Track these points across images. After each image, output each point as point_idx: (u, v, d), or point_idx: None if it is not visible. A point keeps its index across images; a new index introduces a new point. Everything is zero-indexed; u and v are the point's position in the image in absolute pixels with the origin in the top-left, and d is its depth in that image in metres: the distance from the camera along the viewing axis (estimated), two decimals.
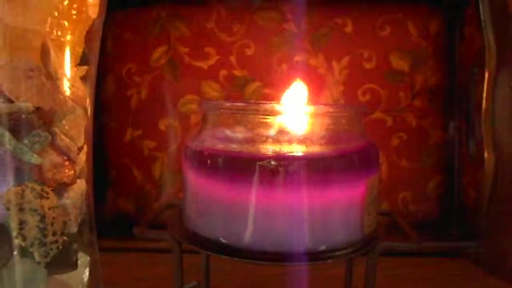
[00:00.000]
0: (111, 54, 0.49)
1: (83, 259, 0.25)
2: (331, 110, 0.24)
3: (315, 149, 0.24)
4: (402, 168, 0.49)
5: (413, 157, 0.49)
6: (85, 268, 0.25)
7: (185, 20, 0.49)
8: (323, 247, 0.24)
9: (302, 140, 0.24)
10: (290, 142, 0.24)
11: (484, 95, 0.43)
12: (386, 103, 0.49)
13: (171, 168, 0.50)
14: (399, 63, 0.49)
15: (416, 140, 0.50)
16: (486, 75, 0.43)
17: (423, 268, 0.42)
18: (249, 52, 0.49)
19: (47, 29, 0.19)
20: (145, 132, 0.50)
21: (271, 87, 0.49)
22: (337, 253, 0.23)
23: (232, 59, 0.49)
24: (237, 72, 0.49)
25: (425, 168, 0.50)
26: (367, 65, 0.49)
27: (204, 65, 0.49)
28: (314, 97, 0.48)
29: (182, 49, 0.49)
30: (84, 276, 0.25)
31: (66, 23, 0.19)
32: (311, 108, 0.24)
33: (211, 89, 0.49)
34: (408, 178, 0.50)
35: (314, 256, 0.23)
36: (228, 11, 0.49)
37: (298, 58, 0.50)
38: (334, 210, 0.23)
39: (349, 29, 0.49)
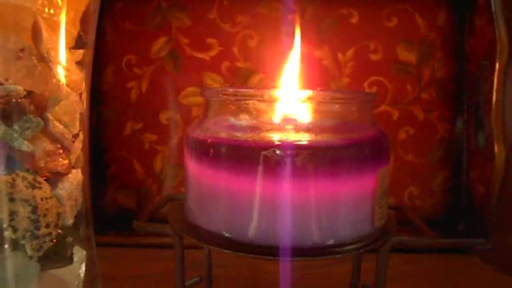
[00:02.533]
0: (110, 45, 0.48)
1: (79, 254, 0.23)
2: (340, 96, 0.23)
3: (323, 137, 0.22)
4: (409, 163, 0.48)
5: (420, 151, 0.48)
6: (81, 264, 0.24)
7: (187, 10, 0.48)
8: (331, 242, 0.22)
9: (310, 128, 0.23)
10: (297, 130, 0.23)
11: (495, 87, 0.42)
12: (392, 96, 0.48)
13: (173, 162, 0.49)
14: (406, 55, 0.48)
15: (423, 133, 0.48)
16: (497, 67, 0.42)
17: (431, 264, 0.41)
18: (252, 43, 0.48)
19: (39, 7, 0.18)
20: (145, 125, 0.49)
21: (275, 79, 0.48)
22: (346, 247, 0.22)
23: (235, 50, 0.48)
24: (239, 64, 0.48)
25: (432, 162, 0.48)
26: (374, 57, 0.48)
27: (206, 56, 0.48)
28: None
29: (183, 40, 0.48)
30: (80, 272, 0.24)
31: (59, 1, 0.18)
32: (319, 95, 0.23)
33: (213, 81, 0.48)
34: (414, 173, 0.48)
35: (321, 251, 0.22)
36: (230, 1, 0.48)
37: (302, 49, 0.48)
38: (343, 203, 0.22)
39: (355, 20, 0.48)
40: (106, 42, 0.48)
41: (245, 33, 0.48)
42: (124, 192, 0.50)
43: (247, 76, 0.48)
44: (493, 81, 0.42)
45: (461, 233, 0.48)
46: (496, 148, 0.42)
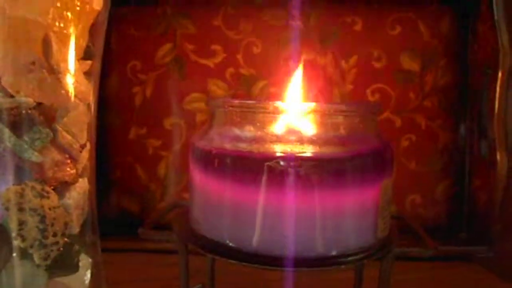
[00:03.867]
0: (115, 51, 0.49)
1: (84, 261, 0.24)
2: (344, 108, 0.23)
3: (327, 149, 0.23)
4: (411, 171, 0.48)
5: (422, 159, 0.48)
6: (86, 270, 0.24)
7: (191, 17, 0.48)
8: (334, 252, 0.23)
9: (314, 140, 0.23)
10: (300, 141, 0.23)
11: (497, 95, 0.42)
12: (395, 104, 0.48)
13: (176, 168, 0.49)
14: (409, 62, 0.48)
15: (425, 141, 0.48)
16: (500, 75, 0.42)
17: (433, 272, 0.41)
18: (256, 50, 0.48)
19: (49, 21, 0.18)
20: (149, 131, 0.49)
21: (278, 86, 0.48)
22: (350, 258, 0.22)
23: (239, 57, 0.48)
24: (243, 71, 0.48)
25: (434, 170, 0.49)
26: (377, 65, 0.48)
27: (210, 63, 0.48)
28: (322, 97, 0.47)
29: (188, 47, 0.48)
30: (85, 279, 0.24)
31: (69, 14, 0.19)
32: (323, 107, 0.23)
33: (217, 88, 0.48)
34: (417, 181, 0.48)
35: (325, 261, 0.22)
36: (235, 8, 0.48)
37: (305, 56, 0.49)
38: (346, 214, 0.22)
39: (358, 27, 0.48)
40: (111, 48, 0.48)
41: (249, 40, 0.48)
42: (128, 197, 0.50)
43: (251, 83, 0.48)
44: (496, 89, 0.42)
45: (464, 241, 0.48)
46: (498, 156, 0.42)
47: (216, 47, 0.48)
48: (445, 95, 0.48)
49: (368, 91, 0.48)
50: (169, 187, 0.50)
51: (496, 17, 0.42)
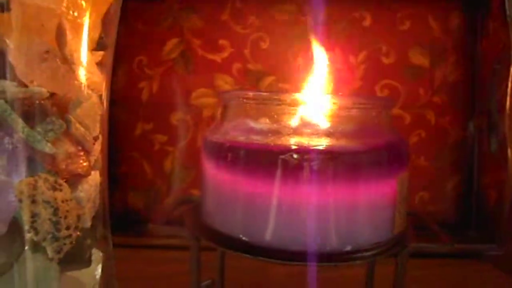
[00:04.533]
0: (122, 46, 0.48)
1: (96, 255, 0.23)
2: (362, 102, 0.23)
3: (343, 142, 0.22)
4: (420, 167, 0.48)
5: (431, 156, 0.48)
6: (97, 264, 0.24)
7: (198, 12, 0.48)
8: (349, 247, 0.22)
9: (330, 133, 0.22)
10: (315, 134, 0.23)
11: (508, 91, 0.42)
12: (404, 100, 0.48)
13: (183, 163, 0.49)
14: (418, 58, 0.48)
15: (435, 138, 0.48)
16: (511, 71, 0.42)
17: (444, 270, 0.41)
18: (263, 45, 0.48)
19: (63, 9, 0.17)
20: (156, 126, 0.49)
21: (286, 82, 0.48)
22: (365, 253, 0.22)
23: (246, 52, 0.48)
24: (251, 66, 0.48)
25: (444, 167, 0.48)
26: (386, 60, 0.48)
27: (217, 58, 0.48)
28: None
29: (195, 41, 0.48)
30: (96, 273, 0.24)
31: (83, 3, 0.18)
32: (339, 100, 0.22)
33: (224, 83, 0.48)
34: (426, 177, 0.48)
35: (340, 256, 0.22)
36: (243, 3, 0.48)
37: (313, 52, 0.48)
38: (362, 208, 0.22)
39: (367, 23, 0.48)
40: (118, 42, 0.48)
41: (257, 35, 0.48)
42: (134, 192, 0.50)
43: (258, 78, 0.48)
44: (506, 85, 0.42)
45: (472, 238, 0.47)
46: (509, 153, 0.41)
47: (223, 42, 0.48)
48: (454, 91, 0.48)
49: (377, 87, 0.48)
50: (175, 183, 0.49)
51: (508, 13, 0.41)
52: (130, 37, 0.48)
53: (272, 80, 0.48)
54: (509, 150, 0.42)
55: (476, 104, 0.48)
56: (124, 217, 0.49)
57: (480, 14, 0.47)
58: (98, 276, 0.24)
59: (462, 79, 0.48)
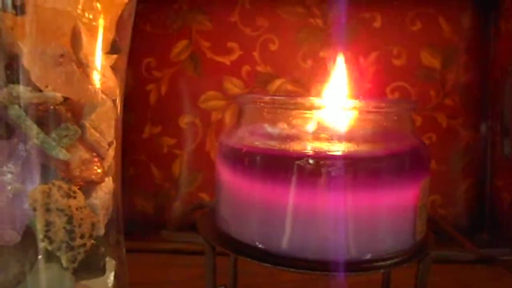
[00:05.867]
0: (130, 48, 0.48)
1: (109, 262, 0.23)
2: (383, 105, 0.22)
3: (362, 147, 0.22)
4: (432, 170, 0.47)
5: (443, 159, 0.47)
6: (110, 272, 0.23)
7: (207, 13, 0.47)
8: (369, 256, 0.22)
9: (348, 138, 0.22)
10: (334, 139, 0.22)
11: None
12: (415, 102, 0.47)
13: (191, 167, 0.48)
14: (430, 59, 0.47)
15: (446, 140, 0.47)
16: None
17: (457, 275, 0.40)
18: (273, 47, 0.47)
19: (79, 11, 0.17)
20: (164, 129, 0.48)
21: (295, 84, 0.47)
22: (386, 262, 0.21)
23: (256, 54, 0.47)
24: (260, 68, 0.47)
25: (455, 170, 0.47)
26: (397, 62, 0.47)
27: (226, 60, 0.47)
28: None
29: (203, 44, 0.47)
30: (109, 281, 0.23)
31: (98, 5, 0.18)
32: (358, 103, 0.22)
33: (233, 85, 0.47)
34: (437, 181, 0.47)
35: (359, 265, 0.21)
36: (252, 4, 0.47)
37: (323, 54, 0.48)
38: (383, 216, 0.21)
39: (377, 24, 0.47)
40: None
41: (266, 37, 0.47)
42: (142, 196, 0.49)
43: (267, 81, 0.48)
44: None
45: (485, 242, 0.47)
46: None
47: (232, 44, 0.47)
48: (466, 92, 0.47)
49: (388, 89, 0.47)
50: (183, 187, 0.49)
51: None
52: (138, 39, 0.47)
53: (281, 83, 0.47)
54: None
55: (488, 106, 0.47)
56: (132, 221, 0.49)
57: (492, 14, 0.47)
58: (110, 284, 0.23)
59: (474, 80, 0.47)
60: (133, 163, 0.49)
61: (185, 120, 0.48)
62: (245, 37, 0.47)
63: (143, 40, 0.47)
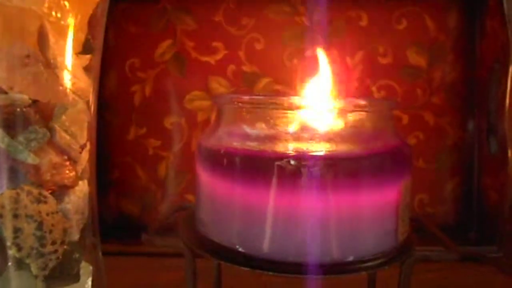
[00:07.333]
0: (113, 48, 0.47)
1: (85, 268, 0.22)
2: (363, 104, 0.22)
3: (343, 147, 0.21)
4: (419, 169, 0.47)
5: (430, 157, 0.47)
6: (87, 278, 0.23)
7: (192, 13, 0.47)
8: (351, 258, 0.21)
9: (329, 138, 0.21)
10: (314, 139, 0.22)
11: (508, 91, 0.41)
12: (402, 100, 0.47)
13: (177, 168, 0.47)
14: (416, 58, 0.47)
15: (433, 139, 0.47)
16: (510, 70, 0.41)
17: (443, 273, 0.40)
18: (258, 46, 0.47)
19: (45, 10, 0.16)
20: (149, 130, 0.47)
21: (281, 83, 0.47)
22: (368, 264, 0.21)
23: (241, 54, 0.47)
24: (246, 68, 0.47)
25: (442, 169, 0.47)
26: (383, 60, 0.47)
27: (211, 60, 0.47)
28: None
29: (188, 43, 0.47)
30: (86, 286, 0.23)
31: (67, 4, 0.17)
32: (339, 103, 0.21)
33: (219, 85, 0.47)
34: (425, 180, 0.47)
35: (341, 267, 0.21)
36: (236, 4, 0.47)
37: (309, 53, 0.47)
38: (364, 217, 0.21)
39: (363, 22, 0.47)
40: (109, 45, 0.47)
41: (251, 36, 0.47)
42: (127, 198, 0.48)
43: (253, 80, 0.47)
44: (505, 84, 0.41)
45: (473, 240, 0.47)
46: (509, 154, 0.41)
47: (217, 43, 0.47)
48: (453, 91, 0.47)
49: (374, 87, 0.47)
50: (169, 188, 0.48)
51: (506, 11, 0.41)
52: (121, 39, 0.47)
53: (267, 82, 0.47)
54: (509, 151, 0.41)
55: (475, 104, 0.47)
56: (118, 224, 0.48)
57: (478, 13, 0.46)
58: None
59: (461, 79, 0.47)
60: (119, 165, 0.48)
61: (170, 121, 0.47)
62: (230, 36, 0.47)
63: (127, 40, 0.47)
